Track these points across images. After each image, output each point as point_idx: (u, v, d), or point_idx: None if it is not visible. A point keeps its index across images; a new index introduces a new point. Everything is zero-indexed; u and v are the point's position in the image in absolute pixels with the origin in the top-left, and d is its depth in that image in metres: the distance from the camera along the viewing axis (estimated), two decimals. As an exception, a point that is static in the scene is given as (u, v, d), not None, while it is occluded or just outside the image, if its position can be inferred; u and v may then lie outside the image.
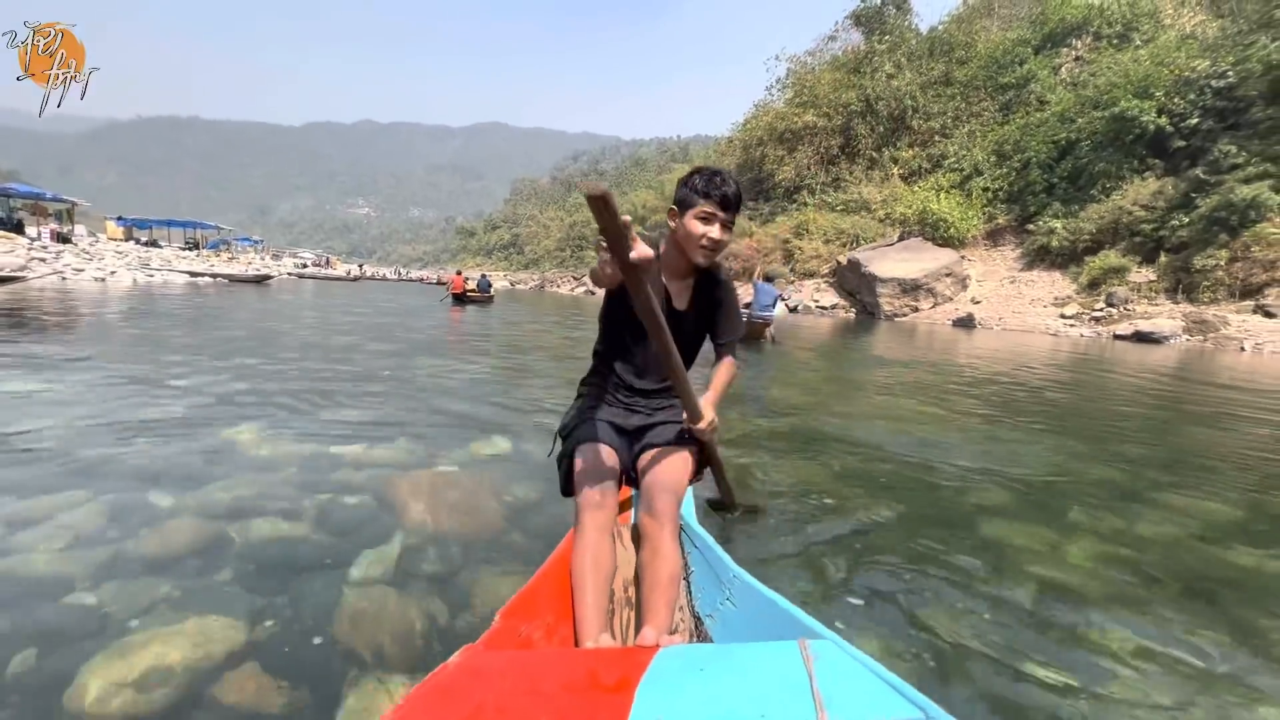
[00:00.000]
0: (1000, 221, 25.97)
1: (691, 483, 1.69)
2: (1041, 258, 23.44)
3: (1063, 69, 29.19)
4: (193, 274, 23.33)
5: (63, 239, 25.34)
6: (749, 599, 1.30)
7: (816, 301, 25.14)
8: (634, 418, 1.73)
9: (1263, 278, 17.06)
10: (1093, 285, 20.66)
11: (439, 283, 46.56)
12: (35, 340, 6.01)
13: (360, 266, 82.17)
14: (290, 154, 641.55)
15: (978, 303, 22.49)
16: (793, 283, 26.50)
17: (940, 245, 24.94)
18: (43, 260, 18.25)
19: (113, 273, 19.00)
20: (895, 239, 26.26)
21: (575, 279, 51.25)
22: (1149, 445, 4.21)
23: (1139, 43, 26.83)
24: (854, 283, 24.64)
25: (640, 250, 1.19)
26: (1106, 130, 23.03)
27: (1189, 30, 26.04)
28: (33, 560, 1.80)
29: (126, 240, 34.58)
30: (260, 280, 24.66)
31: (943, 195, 27.22)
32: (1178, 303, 18.35)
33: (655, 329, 1.38)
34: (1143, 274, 19.92)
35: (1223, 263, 17.78)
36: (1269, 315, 16.18)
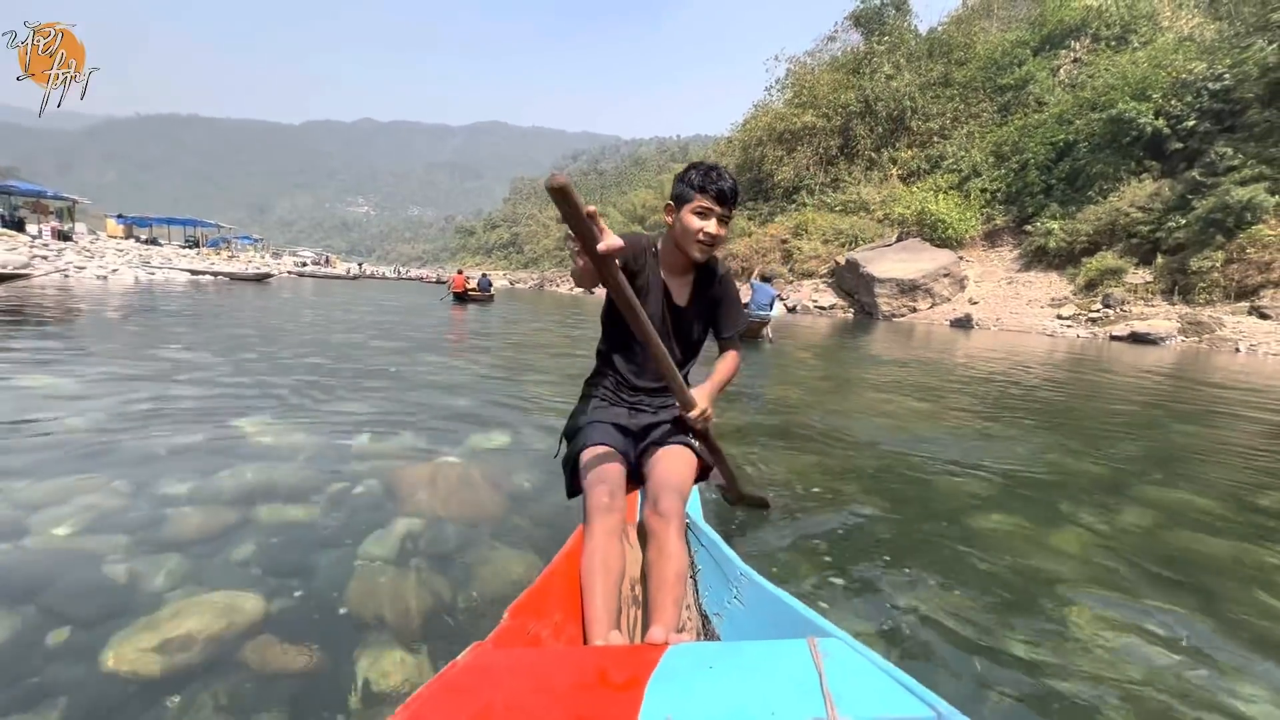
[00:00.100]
0: (998, 222, 26.08)
1: (697, 482, 1.69)
2: (1039, 259, 23.54)
3: (1061, 70, 29.29)
4: (193, 272, 23.39)
5: (64, 237, 25.39)
6: (757, 597, 1.29)
7: (815, 301, 25.23)
8: (638, 416, 1.73)
9: (1258, 279, 17.16)
10: (1090, 286, 20.77)
11: (438, 281, 46.65)
12: (46, 337, 6.09)
13: (360, 265, 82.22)
14: (289, 152, 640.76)
15: (975, 303, 22.59)
16: (791, 282, 26.60)
17: (938, 246, 25.04)
18: (44, 258, 18.31)
19: (114, 270, 19.05)
20: (893, 239, 26.35)
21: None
22: (1138, 441, 4.30)
23: (1137, 45, 26.93)
24: (852, 283, 24.73)
25: (608, 241, 1.20)
26: (1104, 132, 23.14)
27: (1187, 33, 26.15)
28: (61, 539, 1.90)
29: (126, 238, 34.65)
30: (261, 278, 24.72)
31: (941, 196, 27.32)
32: (1174, 304, 18.46)
33: (633, 318, 1.39)
34: (1139, 275, 20.03)
35: (1218, 264, 17.89)
36: (1264, 316, 16.30)
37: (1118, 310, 18.77)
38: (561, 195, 1.09)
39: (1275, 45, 19.28)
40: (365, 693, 1.30)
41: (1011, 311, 21.10)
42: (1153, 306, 18.73)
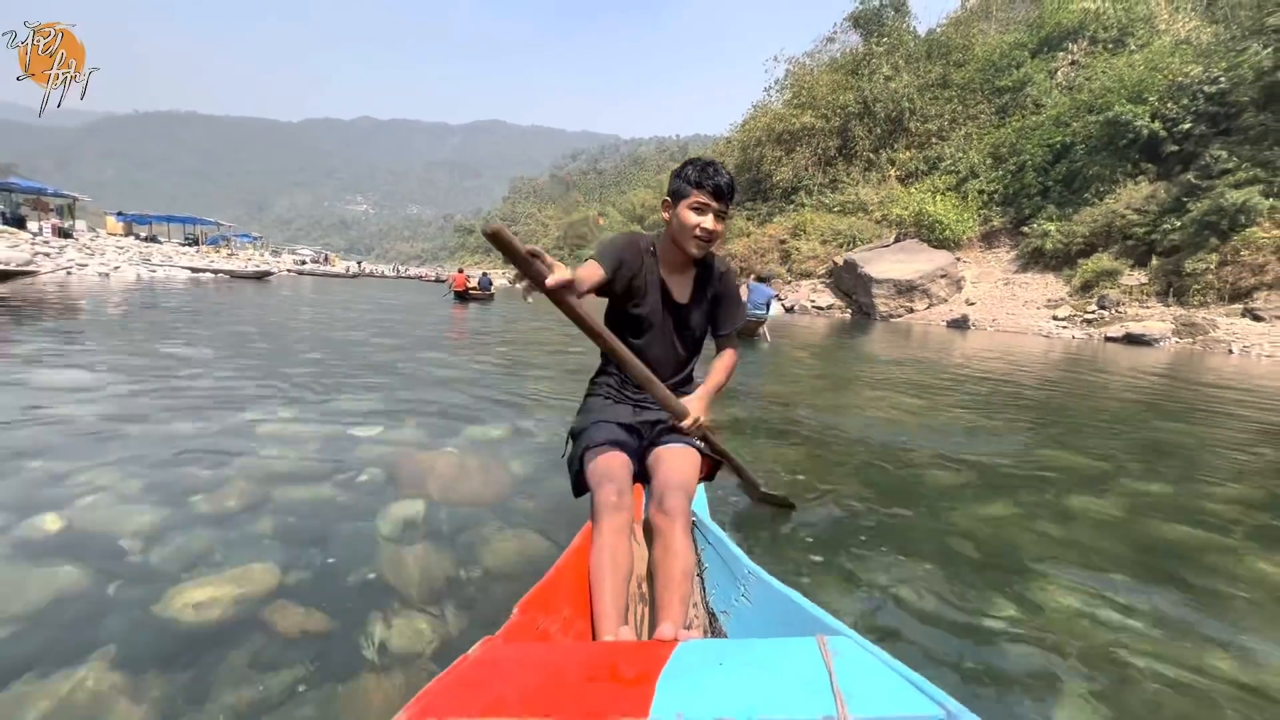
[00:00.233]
0: (995, 224, 26.21)
1: (703, 480, 1.69)
2: (1036, 260, 23.68)
3: (1058, 73, 29.42)
4: (194, 270, 23.47)
5: (64, 234, 25.45)
6: (764, 595, 1.29)
7: (813, 302, 25.35)
8: (643, 414, 1.73)
9: (1251, 281, 17.30)
10: (1085, 288, 20.91)
11: (438, 280, 46.71)
12: (58, 333, 6.21)
13: (359, 264, 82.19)
14: (288, 150, 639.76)
15: (972, 304, 22.72)
16: (790, 283, 26.74)
17: (936, 247, 25.18)
18: (46, 255, 18.38)
19: (116, 268, 19.14)
20: (891, 240, 26.46)
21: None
22: (1124, 437, 4.41)
23: (1134, 48, 27.06)
24: (850, 283, 24.85)
25: (557, 276, 1.20)
26: (1101, 134, 23.28)
27: (1183, 36, 26.28)
28: (94, 517, 2.03)
29: (126, 235, 34.72)
30: (261, 276, 24.80)
31: (939, 197, 27.46)
32: (1168, 305, 18.60)
33: (600, 341, 1.42)
34: (1134, 277, 20.16)
35: (1213, 266, 18.02)
36: (1257, 318, 16.44)
37: (1113, 311, 18.91)
38: (497, 240, 1.10)
39: (1270, 49, 19.41)
40: (379, 652, 1.43)
41: (1008, 312, 21.24)
42: (1147, 308, 18.87)
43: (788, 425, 4.07)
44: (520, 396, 4.46)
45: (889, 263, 23.83)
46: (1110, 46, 28.27)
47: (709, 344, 1.88)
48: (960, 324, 20.34)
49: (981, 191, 27.10)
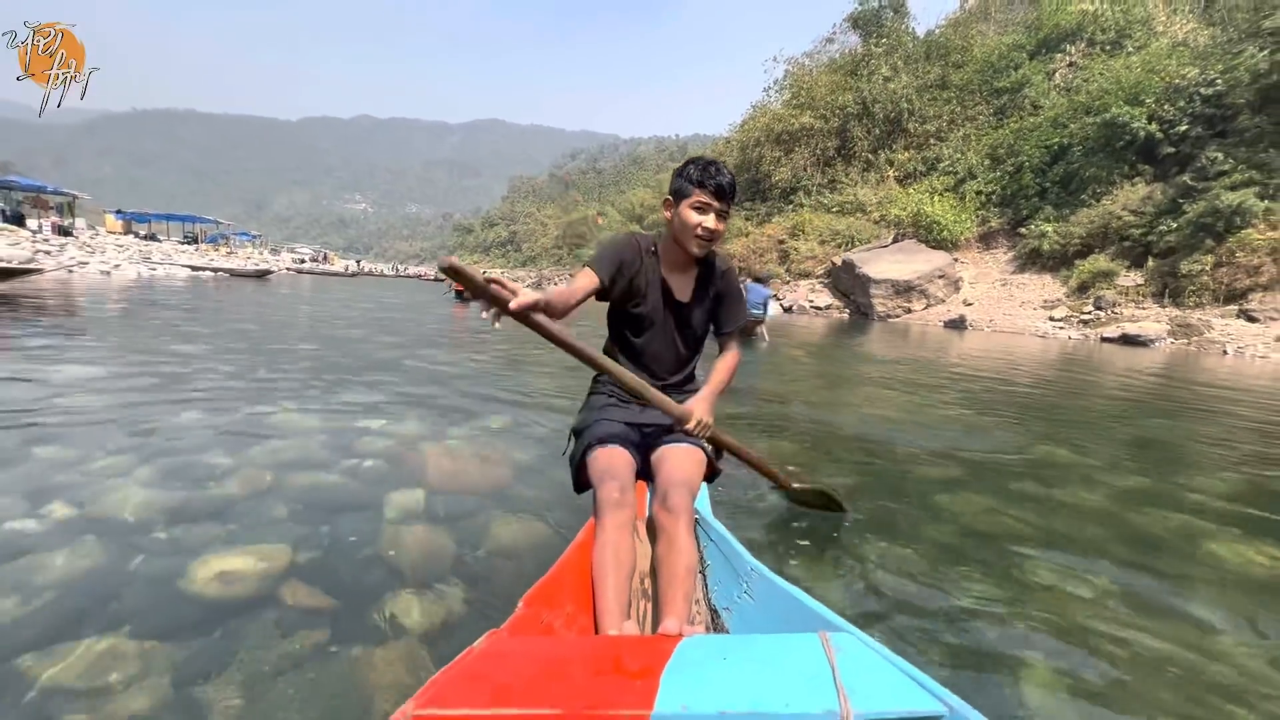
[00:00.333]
0: (993, 225, 26.31)
1: (707, 479, 1.70)
2: (1033, 261, 23.80)
3: (1056, 74, 29.52)
4: (194, 268, 23.50)
5: (64, 232, 25.48)
6: (767, 592, 1.30)
7: (811, 302, 25.45)
8: (646, 413, 1.73)
9: (1246, 283, 17.43)
10: (1082, 288, 21.03)
11: (437, 279, 46.73)
12: (65, 329, 6.30)
13: (358, 262, 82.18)
14: (287, 148, 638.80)
15: (969, 304, 22.83)
16: (788, 283, 26.84)
17: (934, 247, 25.30)
18: (47, 253, 18.43)
19: (117, 266, 19.19)
20: (889, 241, 26.57)
21: (573, 275, 51.42)
22: (1112, 433, 4.51)
23: (1131, 50, 27.16)
24: (848, 283, 24.95)
25: (519, 299, 1.25)
26: (1098, 136, 23.39)
27: (1181, 38, 26.39)
28: (112, 500, 2.14)
29: (125, 234, 34.71)
30: (261, 275, 24.86)
31: (937, 198, 27.57)
32: (1164, 306, 18.72)
33: (582, 357, 1.46)
34: (1131, 278, 20.28)
35: (1208, 268, 18.15)
36: (1251, 319, 16.57)
37: (1109, 312, 19.03)
38: (453, 273, 1.17)
39: (1266, 52, 19.53)
40: (390, 624, 1.53)
41: (1005, 313, 21.35)
42: (1143, 309, 18.99)
43: (784, 422, 4.16)
44: (522, 393, 4.55)
45: (887, 263, 23.93)
46: (1108, 48, 28.37)
47: (710, 344, 1.91)
48: (957, 324, 20.45)
49: (979, 192, 27.21)
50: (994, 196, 26.81)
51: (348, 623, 1.53)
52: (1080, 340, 17.40)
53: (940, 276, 23.59)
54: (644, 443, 1.71)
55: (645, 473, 1.66)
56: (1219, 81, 20.62)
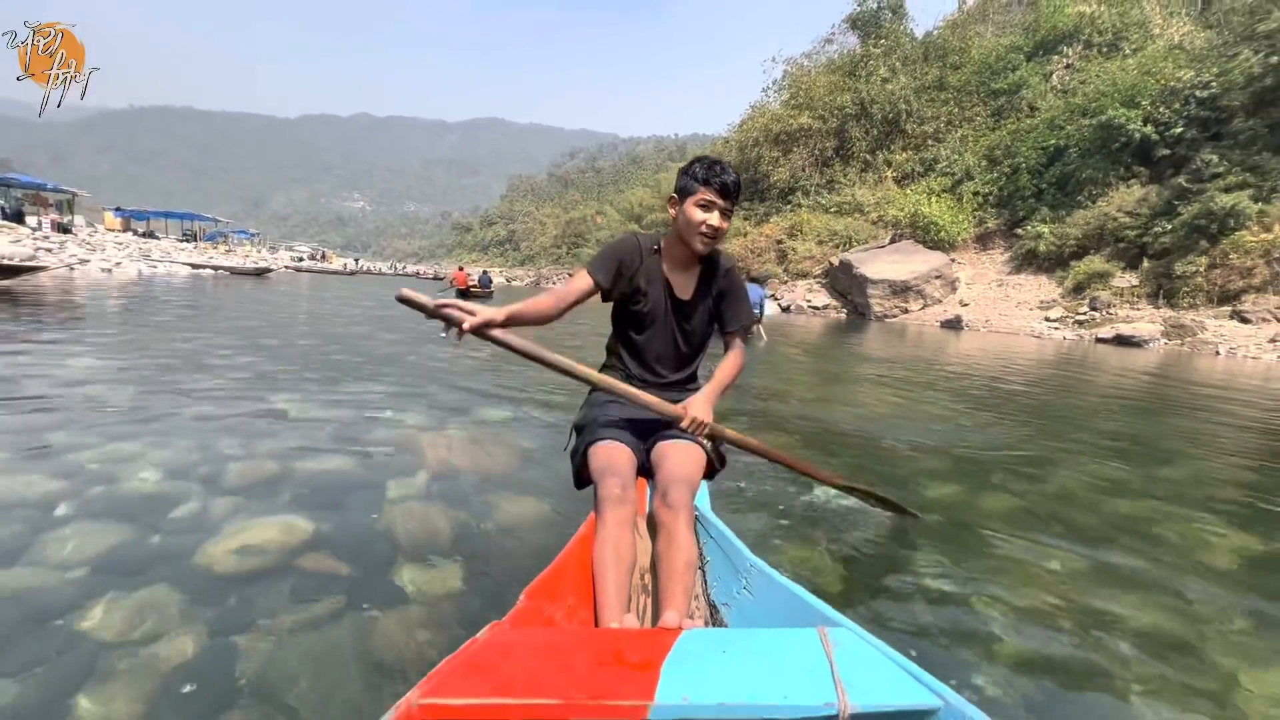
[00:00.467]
0: (990, 225, 26.46)
1: (707, 476, 1.71)
2: (1029, 262, 23.95)
3: (1053, 76, 29.66)
4: (194, 266, 23.55)
5: (63, 229, 25.49)
6: (766, 588, 1.31)
7: (809, 302, 25.58)
8: (647, 410, 1.70)
9: (1240, 284, 17.58)
10: (1077, 289, 21.17)
11: (436, 277, 46.79)
12: (73, 326, 6.42)
13: (357, 261, 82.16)
14: (285, 146, 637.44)
15: (966, 305, 22.97)
16: (786, 283, 26.98)
17: (931, 248, 25.44)
18: (48, 251, 18.47)
19: (118, 264, 19.24)
20: (887, 241, 26.71)
21: (571, 275, 51.53)
22: (1099, 429, 4.62)
23: (1128, 52, 27.30)
24: (845, 284, 25.08)
25: (476, 319, 1.38)
26: (1094, 138, 23.54)
27: (1177, 41, 26.54)
28: (140, 486, 2.28)
29: (124, 231, 34.70)
30: (260, 273, 24.94)
31: (934, 199, 27.71)
32: (1159, 308, 18.87)
33: (554, 367, 1.51)
34: (1126, 279, 20.43)
35: (1202, 269, 18.30)
36: (1244, 321, 16.71)
37: (1104, 313, 19.17)
38: (406, 303, 1.34)
39: (1261, 55, 19.68)
40: (399, 593, 1.66)
41: (1001, 313, 21.49)
42: (1138, 310, 19.14)
43: (780, 418, 4.26)
44: (521, 386, 4.68)
45: (884, 263, 24.06)
46: (1104, 50, 28.52)
47: (716, 344, 1.92)
48: (954, 324, 20.58)
49: (976, 193, 27.35)
50: (991, 197, 26.95)
51: (362, 589, 1.67)
52: (1075, 341, 17.54)
53: (937, 277, 23.73)
54: (645, 439, 1.70)
55: (646, 469, 1.66)
56: (1214, 84, 20.76)
